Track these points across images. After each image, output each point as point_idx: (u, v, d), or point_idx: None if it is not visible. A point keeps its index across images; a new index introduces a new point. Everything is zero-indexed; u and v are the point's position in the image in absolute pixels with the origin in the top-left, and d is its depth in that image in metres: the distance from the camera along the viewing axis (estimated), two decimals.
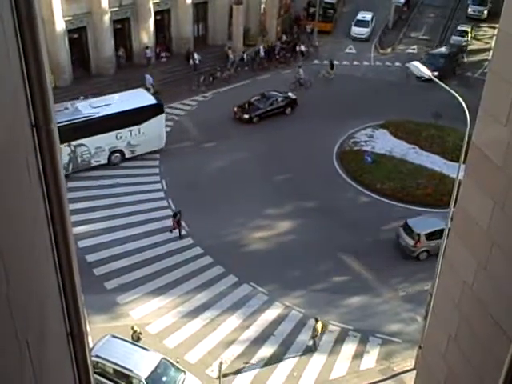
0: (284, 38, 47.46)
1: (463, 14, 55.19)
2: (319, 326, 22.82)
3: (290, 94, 38.74)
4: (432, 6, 57.93)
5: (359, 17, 50.84)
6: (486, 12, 54.06)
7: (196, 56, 42.31)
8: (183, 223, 28.33)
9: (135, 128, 32.10)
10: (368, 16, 50.94)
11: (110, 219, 28.28)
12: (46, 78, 3.65)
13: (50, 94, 3.76)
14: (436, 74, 39.76)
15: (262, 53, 44.49)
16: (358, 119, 37.43)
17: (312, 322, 23.72)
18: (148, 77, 39.27)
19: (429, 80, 24.73)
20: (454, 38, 49.54)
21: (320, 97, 40.26)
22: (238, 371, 21.99)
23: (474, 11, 54.96)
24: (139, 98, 32.82)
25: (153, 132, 32.69)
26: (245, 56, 44.11)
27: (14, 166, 3.33)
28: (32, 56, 3.51)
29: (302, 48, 46.08)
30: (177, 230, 27.62)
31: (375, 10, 54.38)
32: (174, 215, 27.65)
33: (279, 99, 37.92)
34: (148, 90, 37.10)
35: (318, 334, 22.84)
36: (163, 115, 33.37)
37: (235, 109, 37.01)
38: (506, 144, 4.94)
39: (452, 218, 7.65)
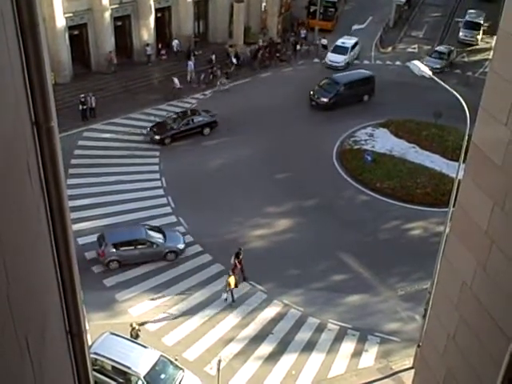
0: (260, 42, 45.10)
1: (463, 14, 55.15)
2: (231, 280, 24.05)
3: (210, 114, 36.06)
4: (433, 5, 57.90)
5: (339, 42, 45.41)
6: (479, 37, 49.56)
7: (175, 42, 42.70)
8: (182, 220, 28.35)
9: None
10: (349, 42, 45.53)
11: (110, 216, 28.27)
12: (47, 76, 3.65)
13: (51, 92, 3.76)
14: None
15: (233, 60, 42.65)
16: (358, 118, 37.43)
17: (311, 320, 23.75)
18: (190, 63, 40.56)
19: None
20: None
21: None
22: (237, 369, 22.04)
23: (465, 36, 50.06)
24: None
25: None
26: (248, 52, 43.99)
27: (16, 164, 3.33)
28: (32, 53, 3.51)
29: (298, 47, 46.20)
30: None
31: (376, 8, 54.46)
32: (237, 255, 25.39)
33: (195, 119, 35.28)
34: (190, 76, 39.88)
35: (231, 287, 24.12)
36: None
37: (149, 129, 34.66)
38: (505, 143, 4.94)
39: (451, 218, 7.66)
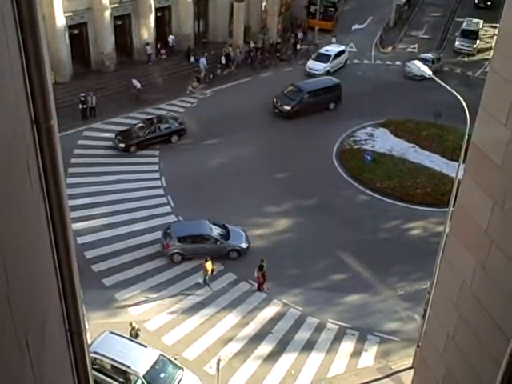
0: (252, 44, 44.69)
1: (464, 14, 55.15)
2: (208, 265, 24.63)
3: (179, 121, 35.28)
4: (433, 4, 57.92)
5: (323, 49, 44.49)
6: (475, 46, 47.92)
7: (171, 38, 42.61)
8: (181, 219, 28.33)
9: None
10: (333, 50, 44.38)
11: (109, 216, 28.28)
12: (47, 75, 3.65)
13: (51, 91, 3.76)
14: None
15: (222, 61, 42.31)
16: (358, 118, 37.43)
17: (311, 319, 23.74)
18: (202, 60, 40.87)
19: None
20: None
21: None
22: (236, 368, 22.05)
23: (462, 45, 48.23)
24: None
25: None
26: (238, 53, 43.80)
27: (15, 163, 3.33)
28: (32, 52, 3.50)
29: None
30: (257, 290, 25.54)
31: (376, 8, 54.48)
32: (260, 267, 24.96)
33: (162, 127, 34.43)
34: (200, 72, 40.36)
35: (208, 273, 24.73)
36: None
37: (114, 137, 33.71)
38: (505, 143, 4.95)
39: (451, 218, 7.66)
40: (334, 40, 47.18)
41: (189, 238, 26.27)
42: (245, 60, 43.73)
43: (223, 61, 42.34)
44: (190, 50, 42.65)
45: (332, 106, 38.80)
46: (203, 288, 25.09)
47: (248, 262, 26.16)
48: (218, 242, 26.35)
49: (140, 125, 34.50)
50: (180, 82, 40.57)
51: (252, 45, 44.55)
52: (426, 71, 19.96)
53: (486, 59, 45.57)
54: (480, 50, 47.87)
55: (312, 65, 43.42)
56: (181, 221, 27.94)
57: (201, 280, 25.17)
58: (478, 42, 48.11)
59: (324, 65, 43.16)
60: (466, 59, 47.15)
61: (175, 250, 26.01)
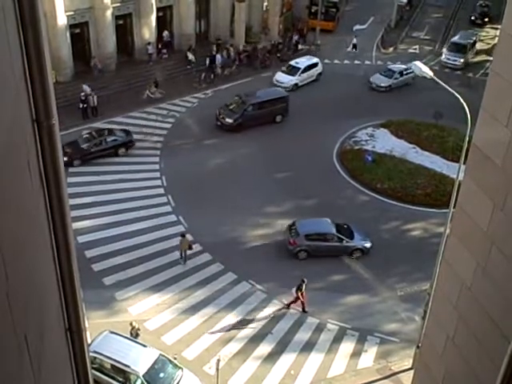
0: (241, 47, 44.36)
1: (466, 15, 55.15)
2: (185, 242, 25.65)
3: (126, 133, 33.75)
4: (434, 5, 57.92)
5: (293, 61, 42.19)
6: (462, 60, 45.35)
7: (165, 33, 42.55)
8: (182, 219, 28.35)
9: None
10: (304, 62, 41.90)
11: (110, 215, 28.28)
12: (48, 74, 3.65)
13: (52, 90, 3.76)
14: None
15: (206, 62, 41.92)
16: (358, 118, 37.42)
17: (311, 320, 23.71)
18: (218, 57, 41.70)
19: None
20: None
21: (318, 97, 40.12)
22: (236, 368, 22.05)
23: (448, 59, 45.75)
24: None
25: None
26: (225, 54, 43.62)
27: (16, 162, 3.33)
28: (34, 51, 3.50)
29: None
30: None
31: (377, 9, 54.50)
32: (299, 286, 24.20)
33: (108, 139, 32.86)
34: (221, 70, 41.18)
35: (186, 248, 25.76)
36: None
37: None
38: (506, 145, 4.94)
39: (451, 219, 7.65)
40: (355, 41, 47.47)
41: (314, 235, 26.73)
42: (233, 62, 43.36)
43: (207, 62, 41.80)
44: (189, 49, 42.55)
45: (279, 118, 36.68)
46: (180, 265, 25.96)
47: (248, 260, 26.18)
48: (344, 241, 26.74)
49: (85, 136, 32.80)
50: (181, 81, 40.56)
51: (241, 48, 44.46)
52: (428, 72, 19.95)
53: (488, 60, 45.53)
54: (468, 64, 45.95)
55: (279, 77, 41.11)
56: (305, 219, 27.94)
57: (179, 257, 26.15)
58: (467, 55, 45.71)
59: (291, 78, 40.77)
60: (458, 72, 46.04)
61: (302, 248, 26.56)
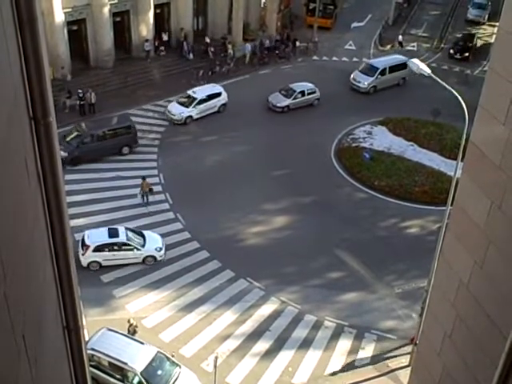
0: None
1: (463, 13, 55.12)
2: (146, 184, 27.87)
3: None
4: (432, 3, 57.87)
5: (190, 91, 36.97)
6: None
7: (164, 35, 42.47)
8: (179, 216, 28.33)
9: None
10: (204, 92, 36.77)
11: (107, 212, 28.25)
12: (45, 71, 3.64)
13: (49, 87, 3.75)
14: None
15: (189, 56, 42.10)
16: (356, 116, 37.42)
17: (308, 317, 23.72)
18: (248, 46, 43.40)
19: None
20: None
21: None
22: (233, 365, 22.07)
23: (355, 79, 41.75)
24: None
25: None
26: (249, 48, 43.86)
27: (13, 159, 3.32)
28: (31, 48, 3.49)
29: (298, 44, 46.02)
30: None
31: (375, 6, 54.43)
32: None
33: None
34: (244, 57, 42.74)
35: (146, 190, 27.77)
36: None
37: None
38: (504, 142, 4.94)
39: (449, 216, 7.66)
40: (400, 38, 48.09)
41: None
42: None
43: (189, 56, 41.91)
44: (187, 46, 42.44)
45: (126, 150, 32.76)
46: (143, 207, 28.07)
47: (245, 258, 26.17)
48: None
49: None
50: (177, 78, 40.45)
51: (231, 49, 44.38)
52: (425, 69, 19.96)
53: (485, 58, 45.53)
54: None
55: (172, 108, 36.19)
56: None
57: (139, 197, 28.27)
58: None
59: (184, 109, 35.91)
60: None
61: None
